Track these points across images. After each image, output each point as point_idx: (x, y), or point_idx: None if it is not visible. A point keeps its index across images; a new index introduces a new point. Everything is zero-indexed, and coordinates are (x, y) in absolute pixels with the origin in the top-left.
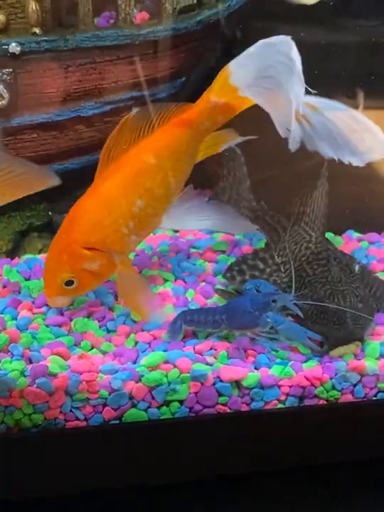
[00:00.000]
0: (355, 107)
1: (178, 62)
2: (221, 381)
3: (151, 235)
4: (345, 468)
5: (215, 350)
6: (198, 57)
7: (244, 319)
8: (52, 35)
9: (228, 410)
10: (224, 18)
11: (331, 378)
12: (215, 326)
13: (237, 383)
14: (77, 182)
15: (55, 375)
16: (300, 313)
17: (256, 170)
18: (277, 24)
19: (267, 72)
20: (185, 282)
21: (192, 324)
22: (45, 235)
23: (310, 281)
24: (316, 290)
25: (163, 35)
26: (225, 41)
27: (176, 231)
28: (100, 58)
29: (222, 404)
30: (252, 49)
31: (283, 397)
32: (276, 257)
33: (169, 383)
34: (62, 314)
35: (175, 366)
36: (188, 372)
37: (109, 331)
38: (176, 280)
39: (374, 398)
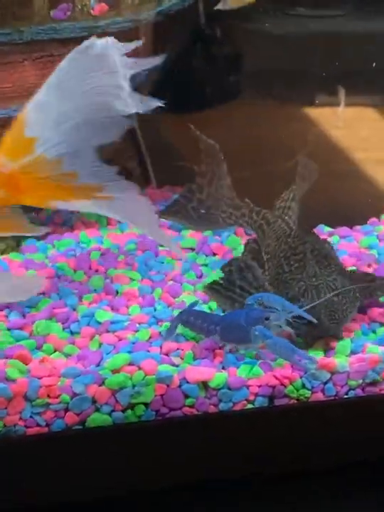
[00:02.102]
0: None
1: (139, 55)
2: (187, 382)
3: (119, 232)
4: (316, 469)
5: (182, 350)
6: (159, 50)
7: (237, 334)
8: (6, 28)
9: (196, 412)
10: (185, 10)
11: (301, 377)
12: (208, 334)
13: (204, 384)
14: None
15: (13, 380)
16: (291, 332)
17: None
18: (243, 15)
19: (88, 100)
20: (152, 281)
21: (188, 326)
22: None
23: (286, 278)
24: (291, 288)
25: (122, 27)
26: (193, 34)
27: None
28: (57, 52)
29: (189, 407)
30: (61, 64)
31: (252, 398)
32: (263, 255)
33: (134, 386)
34: (24, 316)
35: (139, 368)
36: (154, 374)
37: (72, 333)
38: (142, 279)
39: (345, 396)
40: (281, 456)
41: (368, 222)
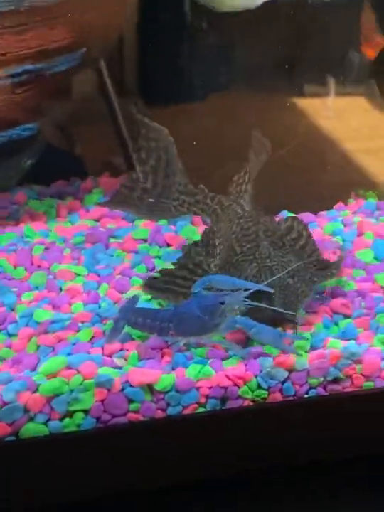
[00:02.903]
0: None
1: (77, 30)
2: (131, 386)
3: (69, 224)
4: (276, 474)
5: (126, 351)
6: (103, 26)
7: (194, 326)
8: None
9: (141, 418)
10: None
11: (256, 376)
12: (162, 333)
13: (149, 387)
14: None
15: None
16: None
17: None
18: None
19: None
20: (98, 276)
21: (136, 327)
22: None
23: (237, 260)
24: (243, 269)
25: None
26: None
27: (97, 220)
28: None
29: (134, 412)
30: None
31: (203, 400)
32: (216, 240)
33: (71, 391)
34: None
35: (78, 372)
36: (92, 378)
37: (10, 335)
38: (88, 274)
39: (305, 396)
40: (236, 462)
41: (334, 207)
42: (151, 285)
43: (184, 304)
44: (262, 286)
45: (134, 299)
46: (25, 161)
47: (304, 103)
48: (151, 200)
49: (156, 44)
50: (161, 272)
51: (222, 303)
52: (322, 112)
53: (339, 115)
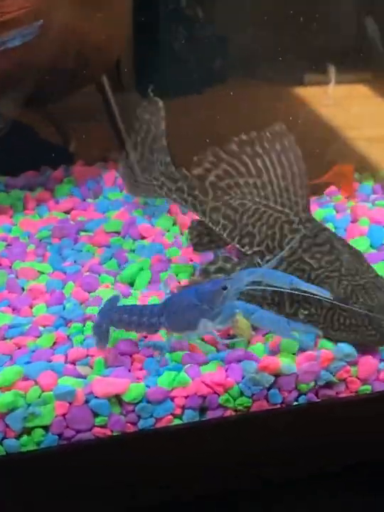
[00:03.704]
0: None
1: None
2: (96, 397)
3: (37, 217)
4: (263, 491)
5: (91, 357)
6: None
7: (189, 316)
8: None
9: (110, 433)
10: None
11: (238, 383)
12: (151, 331)
13: (117, 398)
14: None
15: None
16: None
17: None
18: None
19: None
20: (64, 274)
21: (121, 326)
22: None
23: (318, 276)
24: (332, 288)
25: None
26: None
27: (68, 212)
28: None
29: (101, 427)
30: None
31: (178, 411)
32: (235, 244)
33: (28, 405)
34: None
35: (36, 383)
36: (51, 390)
37: None
38: (53, 272)
39: (295, 403)
40: (217, 478)
41: (326, 192)
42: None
43: (177, 294)
44: (325, 295)
45: (115, 298)
46: None
47: (305, 91)
48: (136, 179)
49: (151, 35)
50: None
51: (225, 288)
52: (323, 100)
53: (339, 103)
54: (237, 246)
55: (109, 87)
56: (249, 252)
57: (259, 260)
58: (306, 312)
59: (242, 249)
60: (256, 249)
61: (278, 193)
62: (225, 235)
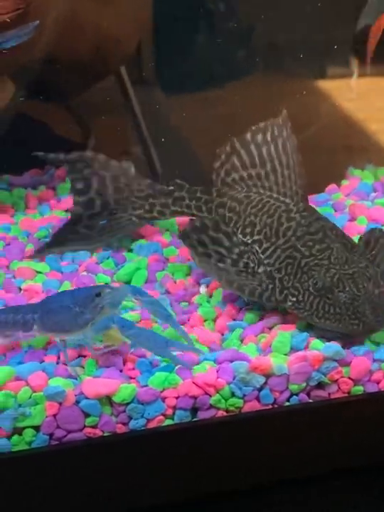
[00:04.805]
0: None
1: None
2: (86, 398)
3: (38, 216)
4: (257, 494)
5: (83, 357)
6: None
7: (61, 318)
8: None
9: (101, 433)
10: None
11: (229, 383)
12: (26, 328)
13: (108, 399)
14: None
15: None
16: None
17: None
18: None
19: None
20: (61, 274)
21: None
22: None
23: (307, 263)
24: (319, 276)
25: None
26: None
27: (67, 211)
28: None
29: (92, 427)
30: None
31: (169, 412)
32: (239, 234)
33: (19, 406)
34: None
35: (27, 383)
36: (42, 391)
37: None
38: (50, 272)
39: (286, 404)
40: (211, 480)
41: (326, 189)
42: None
43: (56, 295)
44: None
45: None
46: None
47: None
48: (102, 222)
49: (171, 27)
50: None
51: (98, 295)
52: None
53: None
54: (240, 236)
55: (128, 80)
56: (249, 241)
57: (257, 248)
58: (294, 299)
59: (244, 239)
60: (255, 237)
61: (281, 182)
62: (230, 228)
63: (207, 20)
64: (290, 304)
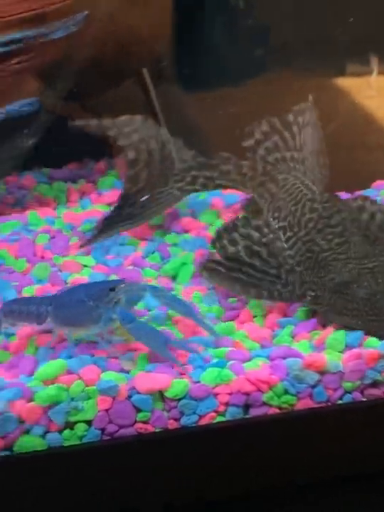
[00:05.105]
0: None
1: None
2: (138, 393)
3: (80, 210)
4: (308, 492)
5: (135, 351)
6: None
7: (75, 311)
8: None
9: (152, 429)
10: None
11: (282, 380)
12: (40, 320)
13: (160, 394)
14: None
15: None
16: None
17: None
18: None
19: None
20: (107, 267)
21: (11, 317)
22: None
23: (325, 258)
24: (336, 270)
25: None
26: None
27: (111, 205)
28: None
29: (143, 422)
30: None
31: (222, 408)
32: (271, 221)
33: (71, 400)
34: None
35: (79, 377)
36: (95, 385)
37: (8, 336)
38: (96, 265)
39: (339, 402)
40: (262, 478)
41: (372, 185)
42: (212, 269)
43: (71, 288)
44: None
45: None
46: (26, 141)
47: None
48: (143, 198)
49: (193, 27)
50: (226, 257)
51: (113, 289)
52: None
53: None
54: (271, 219)
55: (149, 80)
56: (276, 226)
57: (282, 235)
58: (313, 294)
59: (273, 223)
60: (281, 224)
61: (311, 168)
62: (265, 208)
63: (224, 19)
64: (309, 299)
